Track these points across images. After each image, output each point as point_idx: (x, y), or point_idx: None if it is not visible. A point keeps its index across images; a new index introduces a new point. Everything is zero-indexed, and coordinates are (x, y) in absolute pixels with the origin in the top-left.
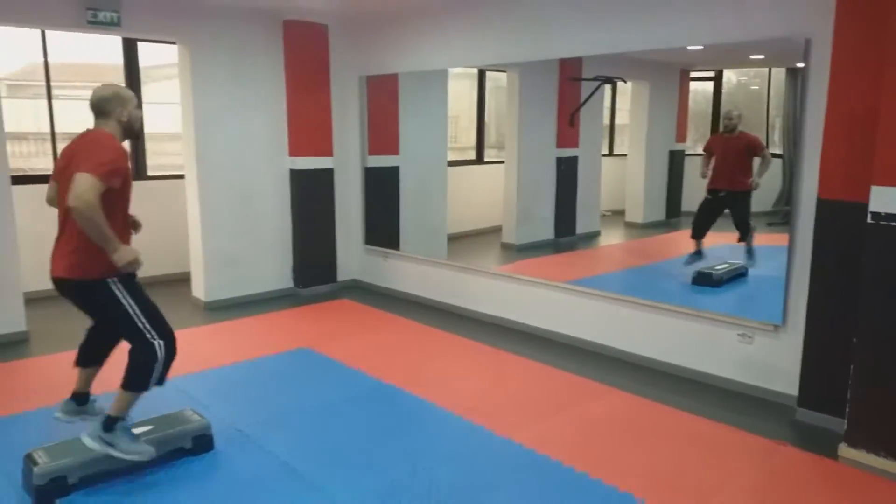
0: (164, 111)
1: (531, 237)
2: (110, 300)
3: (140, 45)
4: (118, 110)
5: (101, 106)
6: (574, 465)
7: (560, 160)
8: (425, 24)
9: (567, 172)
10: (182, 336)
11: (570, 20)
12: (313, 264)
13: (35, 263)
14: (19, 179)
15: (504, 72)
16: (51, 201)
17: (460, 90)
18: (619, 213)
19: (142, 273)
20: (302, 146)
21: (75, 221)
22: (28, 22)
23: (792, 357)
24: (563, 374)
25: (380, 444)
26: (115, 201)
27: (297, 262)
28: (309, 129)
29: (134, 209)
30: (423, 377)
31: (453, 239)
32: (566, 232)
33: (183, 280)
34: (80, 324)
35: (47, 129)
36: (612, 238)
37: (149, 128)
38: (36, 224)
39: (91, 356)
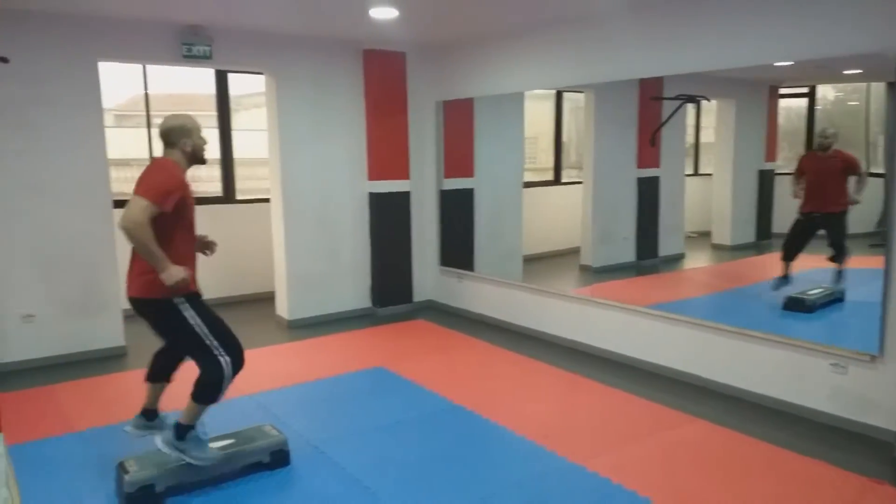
0: (254, 138)
1: (611, 259)
2: (178, 318)
3: (231, 75)
4: (183, 140)
5: (167, 136)
6: (651, 495)
7: (641, 180)
8: (501, 49)
9: (648, 193)
10: (265, 353)
11: (649, 39)
12: (390, 285)
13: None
14: (122, 203)
15: (582, 92)
16: None
17: (540, 111)
18: (706, 235)
19: (231, 291)
20: (380, 170)
21: None
22: (132, 58)
23: (890, 389)
24: (641, 400)
25: (450, 466)
26: (171, 225)
27: (375, 282)
28: (387, 153)
29: (224, 231)
30: (495, 400)
31: (530, 260)
32: (648, 254)
33: (269, 299)
34: None
35: (147, 155)
36: (697, 261)
37: (239, 153)
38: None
39: (160, 372)
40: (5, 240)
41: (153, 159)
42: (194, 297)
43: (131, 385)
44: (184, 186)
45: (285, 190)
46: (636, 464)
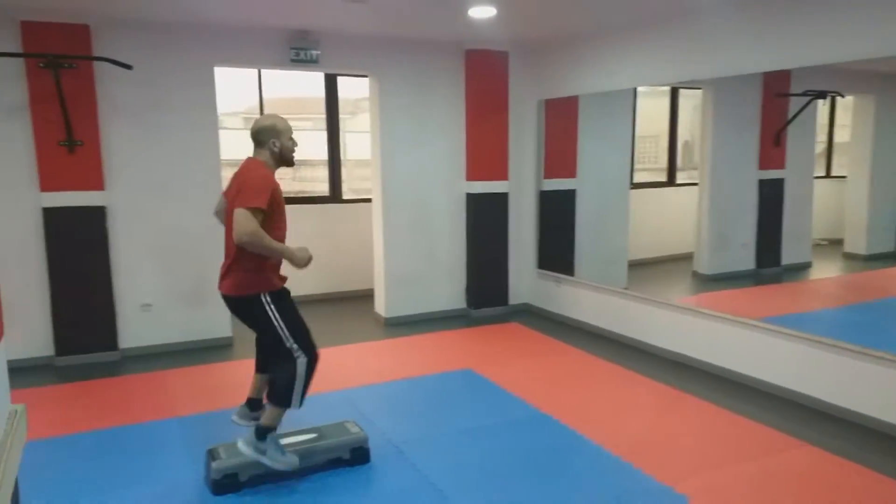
0: (367, 140)
1: (727, 266)
2: (262, 314)
3: (346, 79)
4: (272, 141)
5: (258, 136)
6: None
7: (763, 182)
8: (607, 44)
9: (771, 196)
10: (359, 350)
11: (773, 28)
12: (485, 286)
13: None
14: None
15: (699, 88)
16: (218, 214)
17: (655, 108)
18: (837, 243)
19: (335, 288)
20: (479, 170)
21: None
22: (245, 63)
23: None
24: (745, 420)
25: (528, 476)
26: (269, 224)
27: (471, 283)
28: (486, 153)
29: (330, 230)
30: (584, 411)
31: (637, 266)
32: (769, 262)
33: (370, 296)
34: None
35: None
36: (825, 270)
37: (350, 155)
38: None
39: (262, 363)
40: (129, 235)
41: (245, 160)
42: (279, 296)
43: (235, 374)
44: (273, 183)
45: (385, 190)
46: (730, 489)
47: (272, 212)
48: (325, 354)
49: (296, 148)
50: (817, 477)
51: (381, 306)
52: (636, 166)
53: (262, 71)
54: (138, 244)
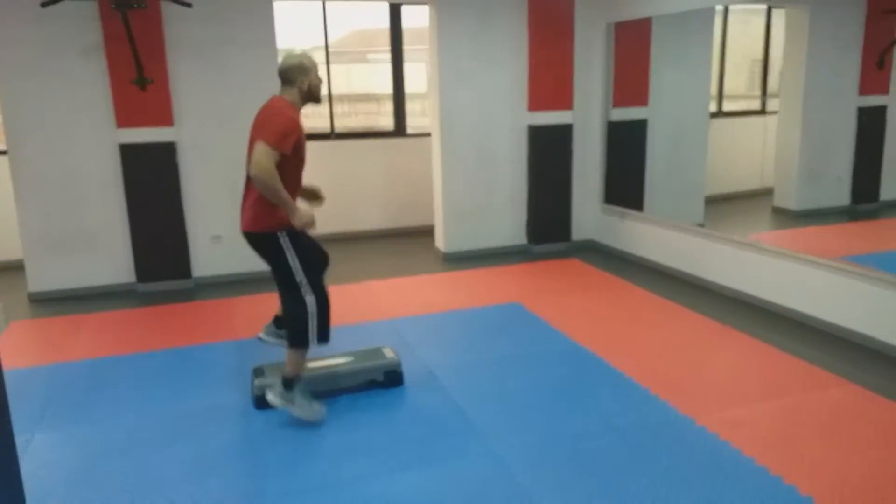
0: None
1: (817, 202)
2: (277, 250)
3: (411, 10)
4: (300, 79)
5: (285, 74)
6: (768, 465)
7: (862, 110)
8: None
9: (872, 125)
10: (414, 282)
11: None
12: (547, 222)
13: None
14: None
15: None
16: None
17: (743, 31)
18: None
19: (398, 223)
20: (541, 101)
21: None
22: None
23: None
24: (793, 359)
25: (553, 404)
26: (285, 164)
27: (532, 218)
28: (549, 83)
29: (393, 165)
30: (625, 346)
31: (716, 201)
32: (867, 197)
33: (432, 232)
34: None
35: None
36: None
37: (411, 88)
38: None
39: None
40: (198, 169)
41: (270, 99)
42: (296, 233)
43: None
44: (299, 127)
45: (444, 123)
46: (757, 424)
47: (293, 159)
48: (380, 286)
49: (321, 85)
50: (849, 413)
51: (440, 241)
52: (725, 93)
53: (328, 4)
54: (207, 178)
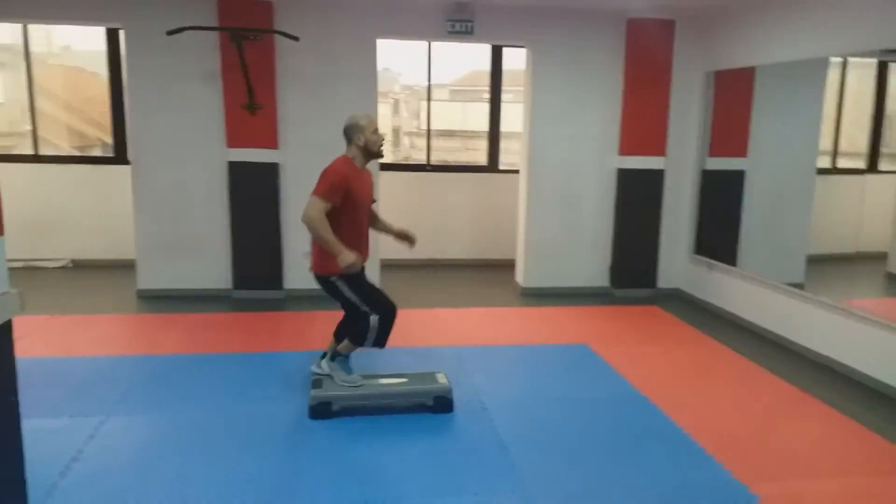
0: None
1: None
2: (336, 291)
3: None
4: (356, 136)
5: (345, 133)
6: None
7: None
8: (794, 6)
9: None
10: (486, 313)
11: None
12: (632, 266)
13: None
14: (404, 167)
15: None
16: None
17: (855, 84)
18: None
19: (483, 255)
20: (633, 145)
21: None
22: (405, 35)
23: None
24: (871, 435)
25: (596, 449)
26: (341, 214)
27: (616, 262)
28: (642, 127)
29: (483, 199)
30: (693, 404)
31: (820, 261)
32: None
33: (513, 266)
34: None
35: (425, 126)
36: None
37: (507, 127)
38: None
39: (338, 332)
40: (300, 188)
41: (336, 158)
42: (350, 276)
43: None
44: (347, 180)
45: (532, 161)
46: (819, 502)
47: (346, 206)
48: (453, 314)
49: (382, 141)
50: None
51: (520, 276)
52: (843, 149)
53: (444, 46)
54: (304, 198)
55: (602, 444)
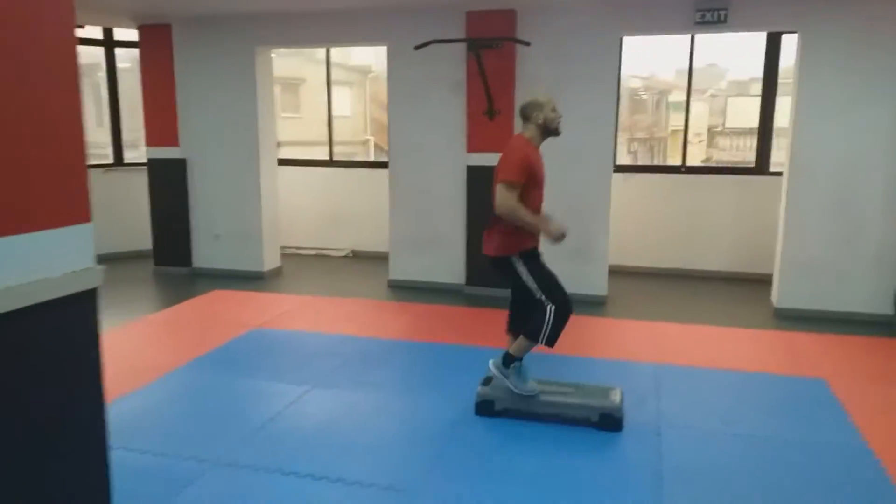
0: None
1: None
2: (513, 272)
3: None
4: (535, 114)
5: (523, 112)
6: None
7: None
8: None
9: None
10: (718, 333)
11: None
12: None
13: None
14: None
15: None
16: None
17: None
18: None
19: (737, 267)
20: None
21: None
22: (649, 30)
23: None
24: None
25: (773, 499)
26: (526, 189)
27: None
28: None
29: (745, 204)
30: None
31: None
32: None
33: (766, 282)
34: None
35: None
36: None
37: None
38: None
39: (512, 323)
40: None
41: (511, 138)
42: (529, 256)
43: (598, 329)
44: (529, 160)
45: (798, 161)
46: None
47: (529, 185)
48: (679, 330)
49: (560, 118)
50: None
51: (775, 294)
52: None
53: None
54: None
55: (783, 493)
